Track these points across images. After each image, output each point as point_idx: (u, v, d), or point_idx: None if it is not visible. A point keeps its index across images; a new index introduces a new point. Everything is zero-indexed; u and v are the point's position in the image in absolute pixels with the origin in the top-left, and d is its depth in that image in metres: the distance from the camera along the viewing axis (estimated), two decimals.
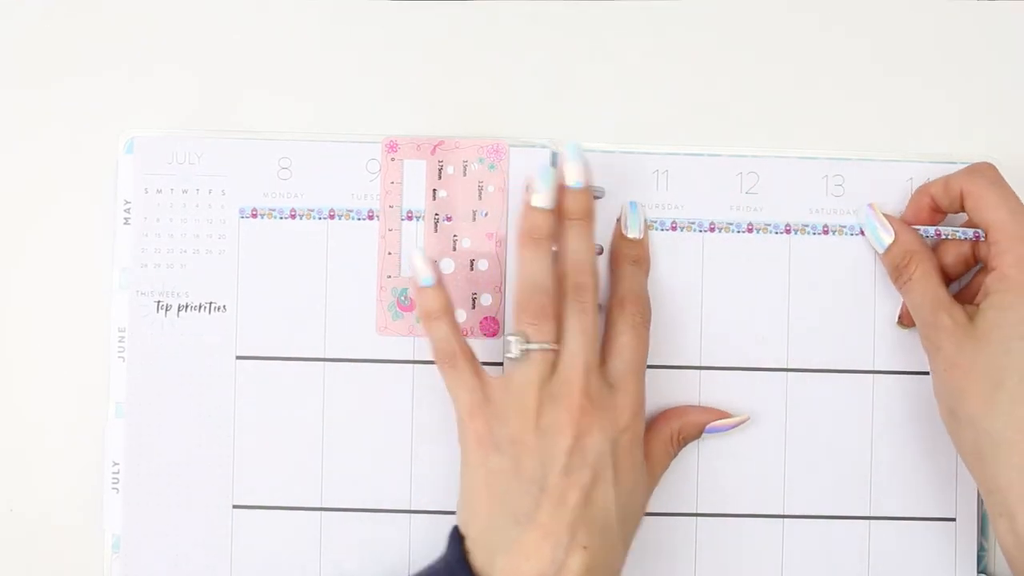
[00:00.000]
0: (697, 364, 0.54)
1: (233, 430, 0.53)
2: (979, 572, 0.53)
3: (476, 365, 0.50)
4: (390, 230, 0.54)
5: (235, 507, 0.53)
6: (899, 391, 0.53)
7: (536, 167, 0.51)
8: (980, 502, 0.53)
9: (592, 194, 0.50)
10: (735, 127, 0.55)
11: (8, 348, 0.54)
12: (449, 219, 0.54)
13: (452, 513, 0.52)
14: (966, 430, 0.48)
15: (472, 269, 0.53)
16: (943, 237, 0.52)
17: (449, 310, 0.50)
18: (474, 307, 0.53)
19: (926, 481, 0.53)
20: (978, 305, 0.49)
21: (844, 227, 0.54)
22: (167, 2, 0.55)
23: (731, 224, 0.54)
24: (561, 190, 0.50)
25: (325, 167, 0.54)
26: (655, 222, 0.54)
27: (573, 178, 0.50)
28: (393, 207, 0.54)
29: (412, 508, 0.53)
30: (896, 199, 0.54)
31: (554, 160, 0.54)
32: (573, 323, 0.49)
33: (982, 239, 0.50)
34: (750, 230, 0.54)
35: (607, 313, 0.51)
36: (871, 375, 0.53)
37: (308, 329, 0.53)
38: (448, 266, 0.53)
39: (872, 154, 0.54)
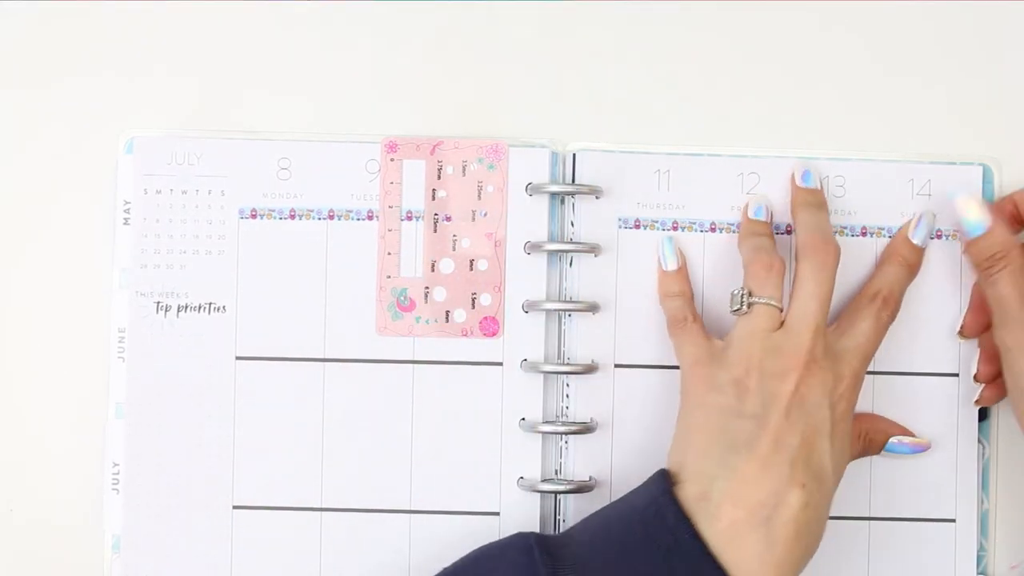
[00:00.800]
0: None
1: (233, 430, 0.53)
2: (979, 572, 0.53)
3: (704, 329, 0.51)
4: (390, 230, 0.54)
5: (235, 507, 0.53)
6: (899, 391, 0.53)
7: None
8: (980, 502, 0.53)
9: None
10: (735, 127, 0.55)
11: (8, 348, 0.54)
12: (448, 219, 0.54)
13: (452, 513, 0.52)
14: None
15: (471, 269, 0.53)
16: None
17: (685, 291, 0.53)
18: (474, 307, 0.53)
19: (926, 481, 0.53)
20: None
21: (844, 227, 0.54)
22: (167, 3, 0.55)
23: (732, 224, 0.54)
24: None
25: (324, 167, 0.54)
26: (655, 222, 0.54)
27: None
28: (393, 207, 0.54)
29: (412, 508, 0.53)
30: (896, 199, 0.54)
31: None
32: (810, 287, 0.49)
33: None
34: None
35: (855, 299, 0.52)
36: (870, 375, 0.53)
37: (308, 329, 0.53)
38: (447, 266, 0.53)
39: (872, 154, 0.54)
